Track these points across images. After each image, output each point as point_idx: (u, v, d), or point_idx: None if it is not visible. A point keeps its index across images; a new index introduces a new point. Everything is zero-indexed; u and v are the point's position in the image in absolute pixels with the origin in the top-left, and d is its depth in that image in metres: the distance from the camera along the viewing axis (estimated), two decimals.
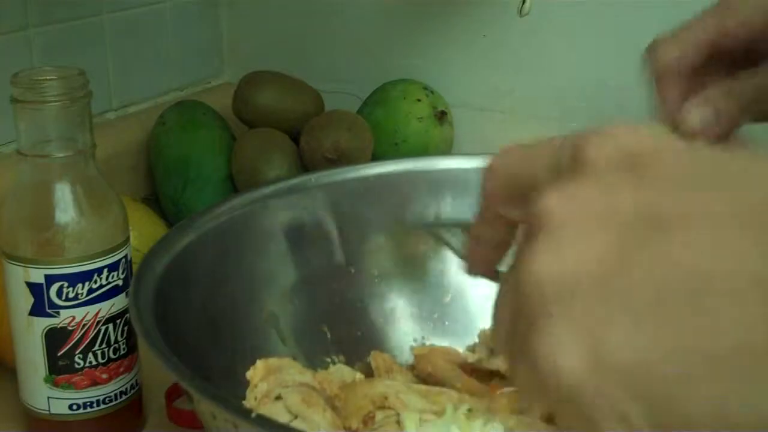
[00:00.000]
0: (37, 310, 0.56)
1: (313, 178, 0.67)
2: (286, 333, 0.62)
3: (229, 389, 0.54)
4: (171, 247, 0.56)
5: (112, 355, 0.58)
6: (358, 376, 0.60)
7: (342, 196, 0.66)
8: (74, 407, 0.58)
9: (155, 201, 0.89)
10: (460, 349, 0.64)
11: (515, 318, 0.29)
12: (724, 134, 0.46)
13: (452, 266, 0.66)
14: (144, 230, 0.72)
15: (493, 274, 0.39)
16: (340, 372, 0.60)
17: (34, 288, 0.55)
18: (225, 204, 0.62)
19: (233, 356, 0.57)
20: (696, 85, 0.47)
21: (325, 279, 0.64)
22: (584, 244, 0.27)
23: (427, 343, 0.65)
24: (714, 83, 0.47)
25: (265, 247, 0.63)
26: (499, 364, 0.60)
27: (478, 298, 0.64)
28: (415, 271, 0.66)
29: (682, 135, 0.41)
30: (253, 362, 0.56)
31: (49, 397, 0.57)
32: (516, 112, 0.92)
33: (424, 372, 0.61)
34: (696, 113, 0.46)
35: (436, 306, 0.66)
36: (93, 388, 0.58)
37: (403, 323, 0.65)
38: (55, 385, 0.57)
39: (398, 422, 0.54)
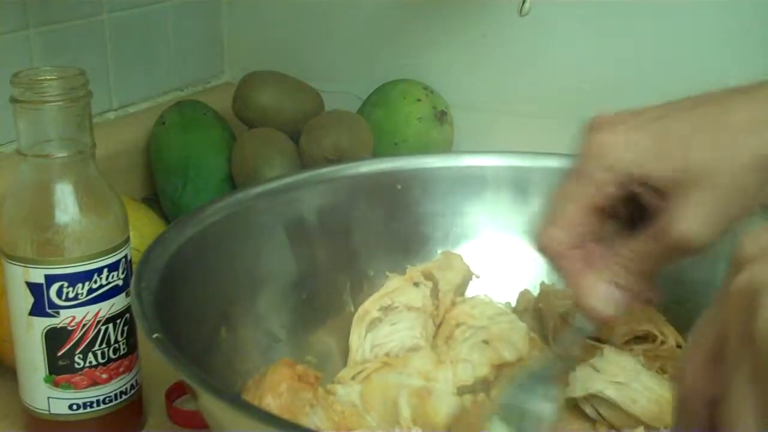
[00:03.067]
0: (37, 310, 0.56)
1: (309, 175, 0.68)
2: (285, 328, 0.62)
3: (229, 385, 0.54)
4: (170, 243, 0.56)
5: (112, 355, 0.58)
6: None
7: (339, 194, 0.66)
8: (74, 407, 0.58)
9: (155, 201, 0.89)
10: None
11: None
12: (639, 297, 0.47)
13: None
14: (144, 230, 0.72)
15: None
16: None
17: (34, 288, 0.55)
18: (223, 200, 0.62)
19: (232, 352, 0.57)
20: (592, 242, 0.48)
21: (324, 275, 0.64)
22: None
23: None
24: (603, 253, 0.47)
25: (264, 244, 0.63)
26: None
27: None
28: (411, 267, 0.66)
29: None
30: (252, 359, 0.56)
31: (49, 397, 0.57)
32: (516, 112, 0.92)
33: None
34: (601, 304, 0.47)
35: None
36: (93, 388, 0.58)
37: None
38: (55, 385, 0.57)
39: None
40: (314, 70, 0.98)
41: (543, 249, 0.49)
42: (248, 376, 0.55)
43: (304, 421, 0.52)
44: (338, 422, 0.53)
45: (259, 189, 0.64)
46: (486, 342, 0.59)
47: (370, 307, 0.62)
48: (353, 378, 0.58)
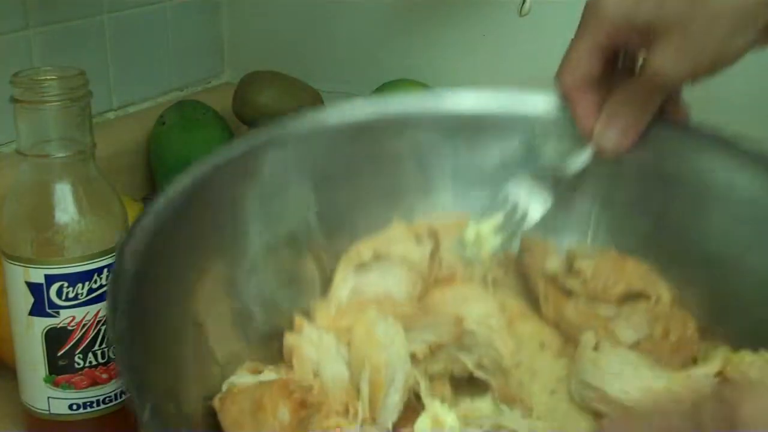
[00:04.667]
0: (37, 310, 0.56)
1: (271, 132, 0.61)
2: (261, 299, 0.58)
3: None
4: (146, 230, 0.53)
5: (112, 355, 0.58)
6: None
7: (319, 150, 0.62)
8: (74, 407, 0.58)
9: None
10: None
11: None
12: (635, 141, 0.58)
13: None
14: None
15: None
16: None
17: (34, 288, 0.55)
18: (191, 172, 0.59)
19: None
20: (603, 92, 0.58)
21: (306, 231, 0.61)
22: None
23: None
24: (609, 97, 0.58)
25: (236, 210, 0.59)
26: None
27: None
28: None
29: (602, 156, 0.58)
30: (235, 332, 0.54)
31: (49, 397, 0.57)
32: None
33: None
34: (607, 137, 0.58)
35: None
36: (93, 388, 0.58)
37: None
38: (55, 385, 0.57)
39: None
40: (314, 70, 0.98)
41: (558, 89, 0.59)
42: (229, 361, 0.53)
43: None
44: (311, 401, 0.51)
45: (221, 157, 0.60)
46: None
47: (364, 248, 0.60)
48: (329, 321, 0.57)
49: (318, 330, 0.55)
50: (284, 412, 0.49)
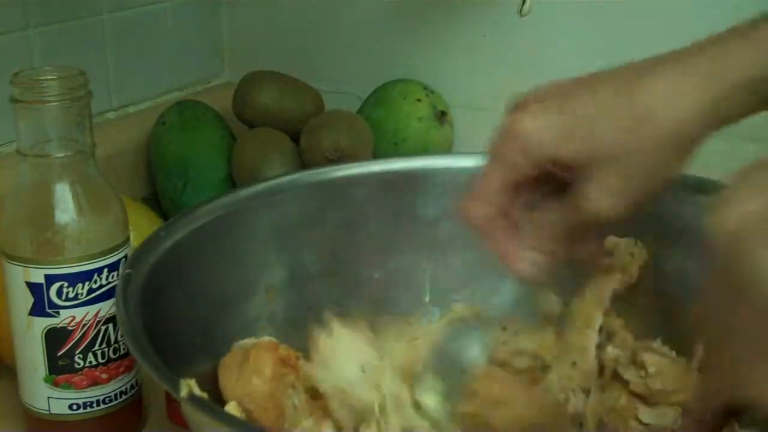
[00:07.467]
0: (37, 310, 0.56)
1: (306, 175, 0.67)
2: (276, 329, 0.61)
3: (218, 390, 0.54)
4: (160, 244, 0.56)
5: (112, 355, 0.58)
6: None
7: (335, 194, 0.65)
8: (74, 407, 0.58)
9: (155, 201, 0.89)
10: None
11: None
12: (555, 261, 0.51)
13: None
14: (144, 230, 0.71)
15: None
16: None
17: (34, 288, 0.56)
18: (219, 199, 0.61)
19: (218, 355, 0.56)
20: (522, 212, 0.51)
21: (316, 277, 0.64)
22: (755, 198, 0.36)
23: None
24: (526, 220, 0.51)
25: (255, 245, 0.62)
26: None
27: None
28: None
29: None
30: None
31: (49, 397, 0.57)
32: None
33: None
34: (524, 266, 0.51)
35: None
36: (93, 388, 0.58)
37: None
38: (55, 385, 0.57)
39: None
40: (314, 70, 0.98)
41: (464, 221, 0.51)
42: None
43: (287, 404, 0.52)
44: (319, 403, 0.53)
45: (255, 189, 0.63)
46: None
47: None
48: None
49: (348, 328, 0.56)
50: (266, 364, 0.52)
